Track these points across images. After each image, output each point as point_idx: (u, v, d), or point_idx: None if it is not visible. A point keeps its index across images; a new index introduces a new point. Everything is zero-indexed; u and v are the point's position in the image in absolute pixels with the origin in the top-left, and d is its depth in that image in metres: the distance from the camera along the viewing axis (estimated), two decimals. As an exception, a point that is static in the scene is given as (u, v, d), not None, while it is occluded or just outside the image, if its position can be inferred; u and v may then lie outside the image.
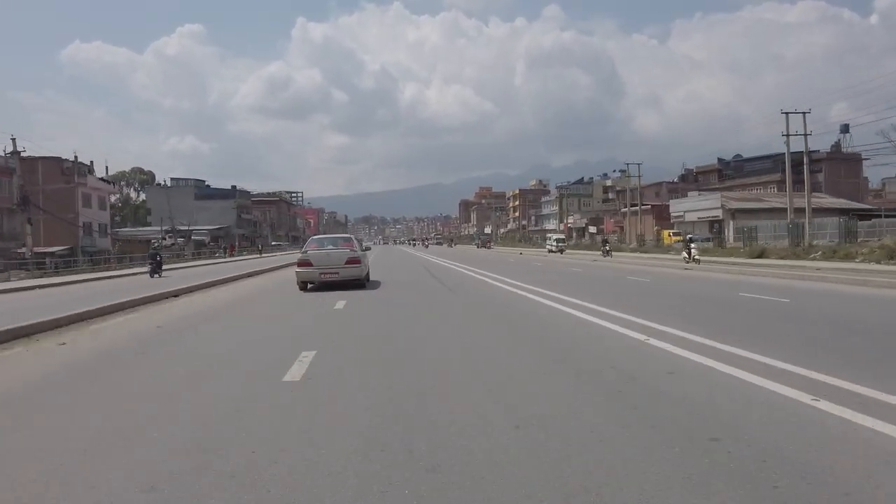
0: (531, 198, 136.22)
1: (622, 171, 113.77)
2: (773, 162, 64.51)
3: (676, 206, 61.33)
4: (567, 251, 52.55)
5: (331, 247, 15.99)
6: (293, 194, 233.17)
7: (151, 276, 22.99)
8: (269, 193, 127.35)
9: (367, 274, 17.05)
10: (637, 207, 59.91)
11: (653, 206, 66.54)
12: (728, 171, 76.40)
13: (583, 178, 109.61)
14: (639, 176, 61.04)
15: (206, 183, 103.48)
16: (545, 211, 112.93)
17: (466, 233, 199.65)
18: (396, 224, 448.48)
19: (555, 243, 54.88)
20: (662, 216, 63.49)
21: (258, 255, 58.56)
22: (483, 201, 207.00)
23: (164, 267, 25.30)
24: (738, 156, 78.36)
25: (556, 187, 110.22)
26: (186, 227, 77.57)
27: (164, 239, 72.50)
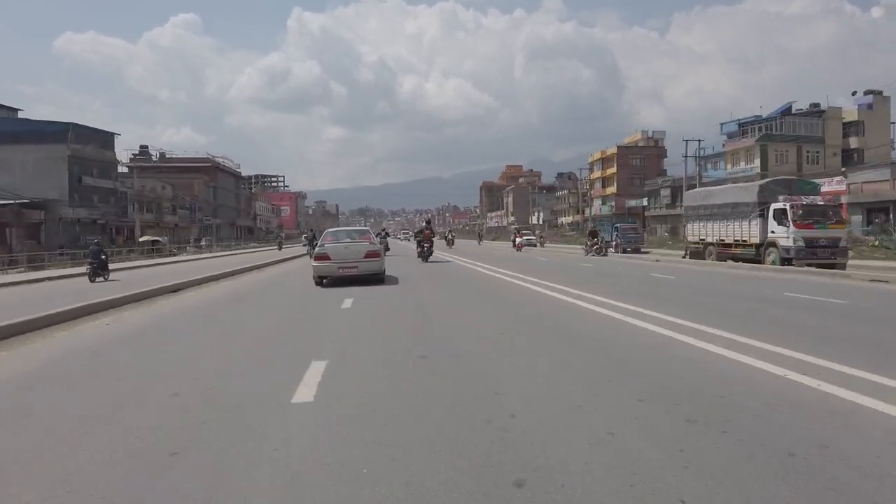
0: (634, 159, 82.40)
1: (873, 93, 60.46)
2: None
3: None
4: None
5: (348, 240, 15.22)
6: (273, 178, 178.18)
7: (92, 280, 16.94)
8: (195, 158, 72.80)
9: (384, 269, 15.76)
10: None
11: None
12: None
13: (790, 105, 55.45)
14: None
15: (22, 114, 49.45)
16: (710, 173, 58.47)
17: (498, 224, 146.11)
18: (395, 216, 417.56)
19: None
20: None
21: None
22: (521, 180, 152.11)
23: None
24: None
25: (743, 124, 56.28)
26: None
27: None
